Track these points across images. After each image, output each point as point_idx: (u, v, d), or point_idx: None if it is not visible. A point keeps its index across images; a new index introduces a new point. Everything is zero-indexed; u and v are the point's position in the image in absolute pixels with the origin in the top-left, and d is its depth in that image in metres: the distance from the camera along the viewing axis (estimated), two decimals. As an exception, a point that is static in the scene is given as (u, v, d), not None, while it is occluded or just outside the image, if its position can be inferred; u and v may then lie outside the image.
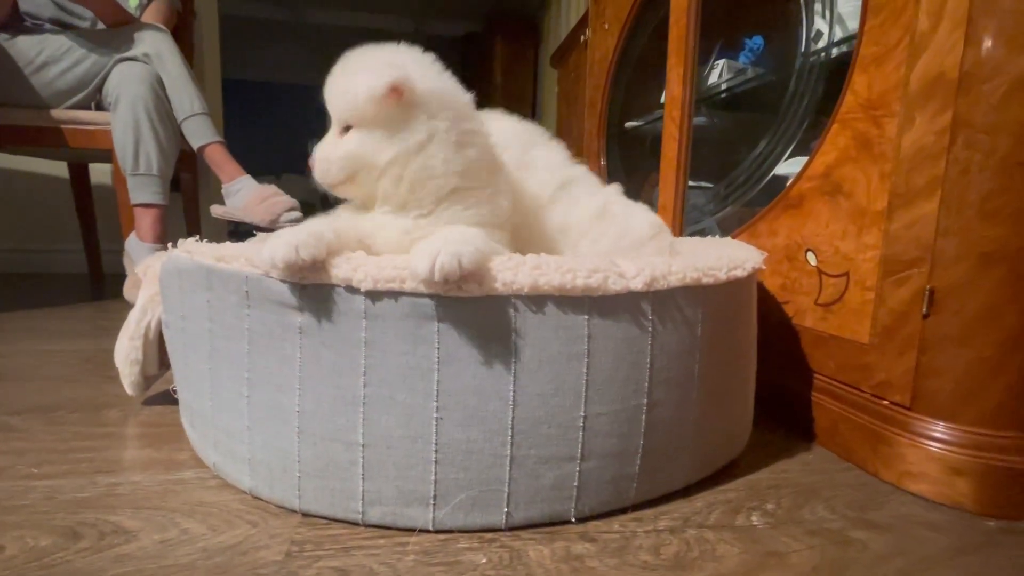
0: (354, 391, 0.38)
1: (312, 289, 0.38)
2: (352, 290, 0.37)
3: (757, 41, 1.00)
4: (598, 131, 1.39)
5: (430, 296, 0.37)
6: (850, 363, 0.56)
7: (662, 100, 1.08)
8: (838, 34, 0.78)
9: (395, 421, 0.38)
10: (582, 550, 0.38)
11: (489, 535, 0.39)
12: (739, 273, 0.48)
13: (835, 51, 0.78)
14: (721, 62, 0.96)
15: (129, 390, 0.62)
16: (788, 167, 0.90)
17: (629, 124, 1.34)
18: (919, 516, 0.44)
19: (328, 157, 0.45)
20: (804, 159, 0.65)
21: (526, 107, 3.70)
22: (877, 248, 0.53)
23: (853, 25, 0.74)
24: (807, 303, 0.63)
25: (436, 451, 0.38)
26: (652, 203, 1.36)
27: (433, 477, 0.38)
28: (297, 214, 1.35)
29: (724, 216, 1.03)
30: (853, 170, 0.56)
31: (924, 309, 0.48)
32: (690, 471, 0.47)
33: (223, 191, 1.41)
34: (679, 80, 0.94)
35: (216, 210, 1.42)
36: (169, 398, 0.64)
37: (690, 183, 1.00)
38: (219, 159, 1.36)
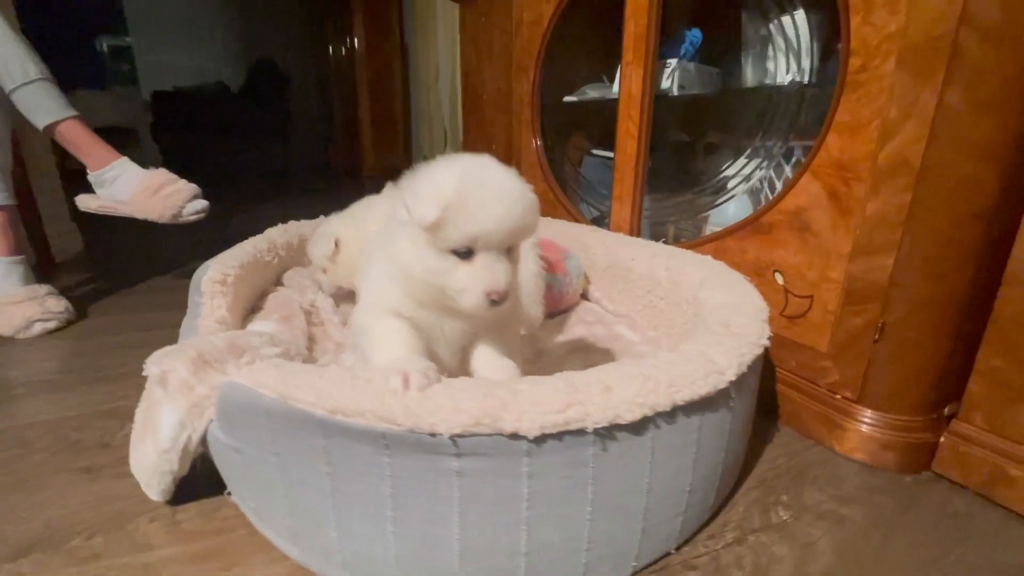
0: (517, 514, 0.42)
1: (473, 440, 0.39)
2: (518, 437, 0.40)
3: (696, 34, 1.06)
4: (531, 101, 1.37)
5: (594, 432, 0.41)
6: (810, 364, 0.73)
7: (614, 89, 1.10)
8: (794, 68, 0.87)
9: (555, 530, 0.43)
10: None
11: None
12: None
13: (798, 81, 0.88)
14: (672, 62, 1.01)
15: (158, 497, 0.56)
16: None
17: (568, 99, 1.34)
18: (869, 483, 0.64)
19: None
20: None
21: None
22: (839, 282, 0.68)
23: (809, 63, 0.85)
24: (773, 312, 0.77)
25: (587, 548, 0.45)
26: (579, 175, 1.43)
27: (583, 564, 0.45)
28: (203, 203, 1.16)
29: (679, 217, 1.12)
30: (822, 215, 0.69)
31: (875, 336, 0.65)
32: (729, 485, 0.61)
33: (92, 179, 1.14)
34: (639, 80, 0.97)
35: (87, 203, 1.16)
36: (192, 490, 0.58)
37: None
38: (79, 139, 1.08)
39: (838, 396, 0.70)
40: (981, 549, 0.54)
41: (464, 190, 0.44)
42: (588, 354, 0.82)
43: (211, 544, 0.53)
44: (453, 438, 0.39)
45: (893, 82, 0.59)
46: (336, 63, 4.44)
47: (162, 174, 1.13)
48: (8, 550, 0.52)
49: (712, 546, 0.53)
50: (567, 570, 0.45)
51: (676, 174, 1.21)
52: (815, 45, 0.81)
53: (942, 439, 0.65)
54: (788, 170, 0.92)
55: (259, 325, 0.79)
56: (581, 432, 0.40)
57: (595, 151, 1.45)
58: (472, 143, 2.04)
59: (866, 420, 0.67)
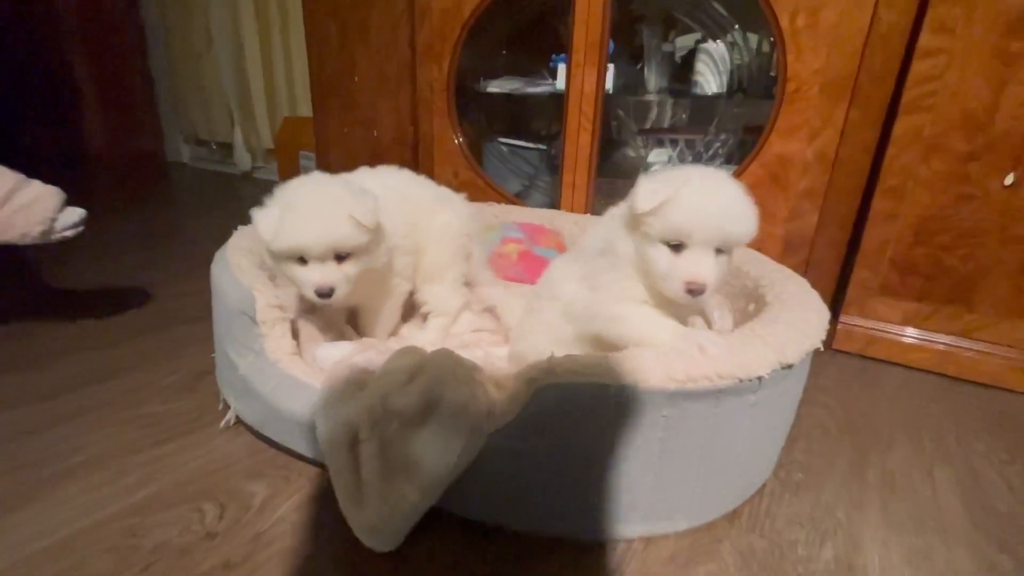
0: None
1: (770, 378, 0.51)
2: (787, 367, 0.53)
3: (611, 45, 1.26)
4: (445, 87, 1.38)
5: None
6: (759, 297, 1.05)
7: (558, 85, 1.23)
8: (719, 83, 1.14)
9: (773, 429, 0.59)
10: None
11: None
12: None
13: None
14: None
15: (392, 546, 0.49)
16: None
17: (493, 88, 1.39)
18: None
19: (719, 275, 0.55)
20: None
21: None
22: (781, 237, 0.99)
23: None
24: (727, 264, 1.06)
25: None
26: (502, 154, 1.53)
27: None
28: (78, 212, 0.86)
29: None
30: (766, 192, 0.99)
31: (804, 270, 0.98)
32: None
33: None
34: (592, 80, 1.13)
35: None
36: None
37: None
38: None
39: (780, 314, 1.03)
40: (864, 374, 0.92)
41: (684, 188, 0.53)
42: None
43: (493, 561, 0.50)
44: (759, 379, 0.50)
45: (817, 102, 0.90)
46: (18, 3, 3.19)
47: (5, 175, 0.76)
48: None
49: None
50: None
51: (620, 161, 1.41)
52: (733, 69, 1.11)
53: (837, 327, 1.04)
54: (705, 157, 1.23)
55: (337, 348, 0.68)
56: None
57: (503, 140, 1.55)
58: (330, 126, 1.85)
59: (799, 326, 1.02)
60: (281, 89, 2.63)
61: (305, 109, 2.53)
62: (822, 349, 0.59)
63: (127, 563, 0.49)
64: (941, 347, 0.94)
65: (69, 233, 0.81)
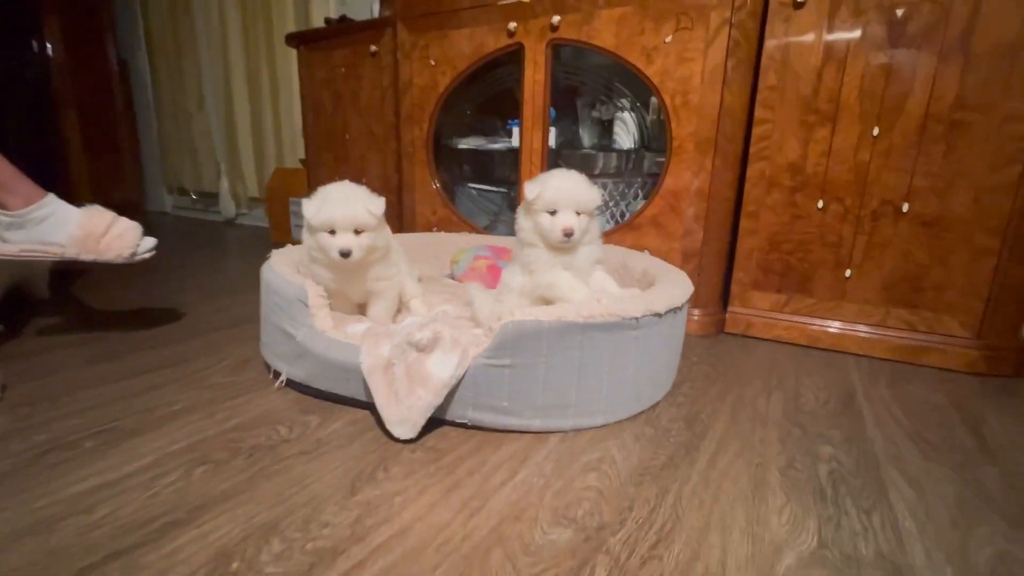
0: (652, 354, 0.88)
1: (646, 319, 0.83)
2: (657, 315, 0.86)
3: (552, 112, 1.65)
4: (425, 144, 1.73)
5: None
6: (669, 296, 1.39)
7: (513, 141, 1.59)
8: (631, 140, 1.54)
9: (658, 362, 0.91)
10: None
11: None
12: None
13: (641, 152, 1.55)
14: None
15: (413, 434, 0.77)
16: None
17: (463, 144, 1.74)
18: (706, 343, 1.31)
19: (580, 226, 0.87)
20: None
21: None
22: (679, 250, 1.35)
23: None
24: (645, 273, 1.41)
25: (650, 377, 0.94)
26: (472, 196, 1.88)
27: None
28: (152, 240, 1.15)
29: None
30: (667, 218, 1.36)
31: (698, 273, 1.33)
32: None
33: (9, 220, 0.99)
34: (540, 139, 1.50)
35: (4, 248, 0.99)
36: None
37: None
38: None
39: (685, 308, 1.38)
40: (743, 347, 1.26)
41: (549, 181, 0.89)
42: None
43: (476, 442, 0.78)
44: (636, 319, 0.82)
45: (693, 154, 1.28)
46: (15, 70, 3.44)
47: (104, 212, 1.03)
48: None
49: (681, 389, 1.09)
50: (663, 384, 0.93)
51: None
52: (638, 129, 1.50)
53: (726, 316, 1.39)
54: (627, 195, 1.60)
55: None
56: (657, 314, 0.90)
57: (472, 185, 1.90)
58: (323, 176, 2.17)
59: (696, 314, 1.37)
60: (269, 143, 2.94)
61: (291, 161, 2.84)
62: (683, 308, 0.93)
63: (236, 454, 0.75)
64: (795, 324, 1.30)
65: (147, 255, 1.08)
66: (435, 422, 0.82)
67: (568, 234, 0.88)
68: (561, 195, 0.88)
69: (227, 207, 3.35)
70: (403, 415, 0.75)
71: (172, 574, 0.53)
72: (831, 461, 0.77)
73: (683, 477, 0.72)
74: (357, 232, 0.92)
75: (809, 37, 1.17)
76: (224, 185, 3.30)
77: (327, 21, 2.01)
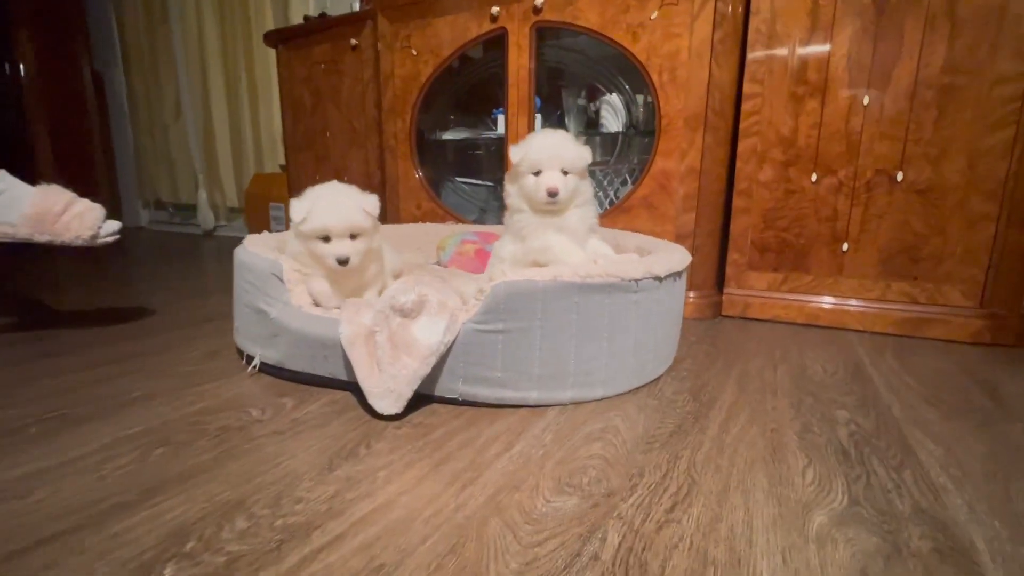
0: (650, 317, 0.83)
1: (644, 282, 0.78)
2: (658, 278, 0.81)
3: (537, 101, 1.62)
4: (408, 137, 1.69)
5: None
6: (663, 279, 1.35)
7: (499, 130, 1.55)
8: (620, 124, 1.51)
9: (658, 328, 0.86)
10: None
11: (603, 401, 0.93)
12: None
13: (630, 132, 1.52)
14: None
15: (398, 409, 0.70)
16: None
17: (448, 136, 1.70)
18: (703, 326, 1.27)
19: (566, 186, 0.82)
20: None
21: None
22: (672, 231, 1.31)
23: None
24: (638, 256, 1.37)
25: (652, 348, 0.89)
26: (460, 190, 1.83)
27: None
28: (116, 224, 1.07)
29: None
30: (658, 199, 1.32)
31: (692, 254, 1.30)
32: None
33: None
34: (526, 126, 1.46)
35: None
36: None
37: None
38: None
39: (680, 290, 1.33)
40: (742, 328, 1.22)
41: (533, 140, 0.85)
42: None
43: (468, 418, 0.72)
44: (636, 280, 0.77)
45: (682, 131, 1.26)
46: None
47: (62, 191, 0.96)
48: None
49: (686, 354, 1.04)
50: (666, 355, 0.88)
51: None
52: (627, 111, 1.48)
53: (723, 298, 1.35)
54: (615, 180, 1.57)
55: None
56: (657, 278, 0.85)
57: (459, 179, 1.86)
58: (303, 176, 2.11)
59: (691, 296, 1.32)
60: (248, 151, 2.88)
61: (271, 167, 2.78)
62: (682, 276, 0.89)
63: (200, 436, 0.67)
64: (795, 303, 1.26)
65: (110, 239, 1.00)
66: (422, 399, 0.75)
67: (552, 194, 0.84)
68: (544, 154, 0.84)
69: (206, 219, 3.26)
70: (387, 385, 0.68)
71: (114, 556, 0.45)
72: (849, 424, 0.72)
73: (694, 443, 0.66)
74: (353, 236, 0.85)
75: (795, 6, 1.16)
76: (202, 196, 3.21)
77: (306, 19, 1.98)
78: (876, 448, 0.65)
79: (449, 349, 0.72)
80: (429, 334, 0.69)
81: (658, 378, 0.89)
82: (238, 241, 1.02)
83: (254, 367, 0.88)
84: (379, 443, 0.66)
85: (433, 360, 0.70)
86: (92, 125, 3.67)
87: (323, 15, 1.95)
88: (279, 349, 0.84)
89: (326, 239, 0.84)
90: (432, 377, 0.73)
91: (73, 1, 3.54)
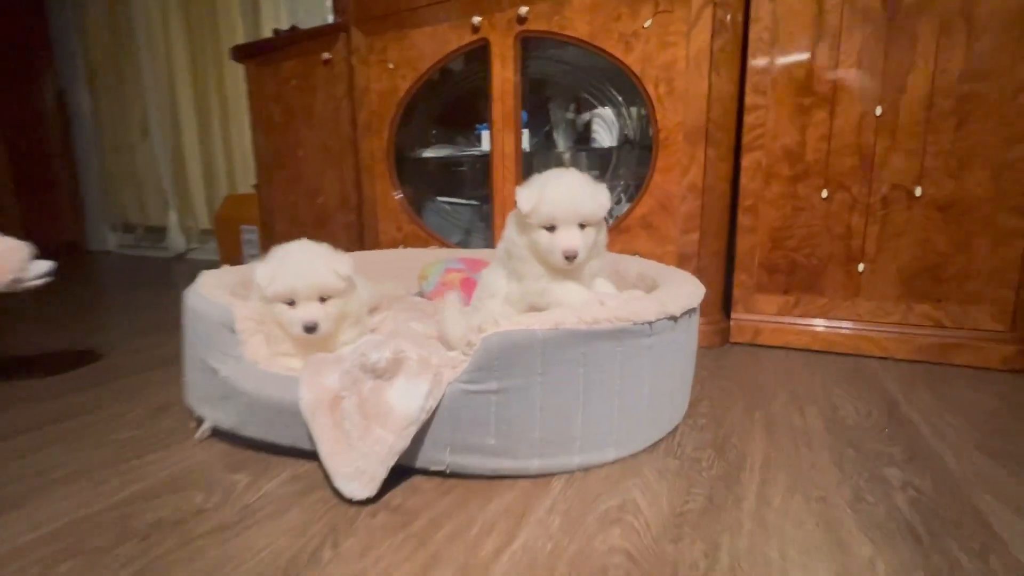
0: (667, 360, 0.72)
1: (659, 323, 0.68)
2: (673, 318, 0.70)
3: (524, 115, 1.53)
4: (386, 155, 1.57)
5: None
6: (666, 304, 1.25)
7: (483, 147, 1.45)
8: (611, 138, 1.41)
9: (675, 375, 0.75)
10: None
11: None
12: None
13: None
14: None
15: (370, 492, 0.57)
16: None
17: (428, 154, 1.59)
18: (712, 352, 1.17)
19: (585, 244, 0.71)
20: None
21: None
22: (674, 252, 1.22)
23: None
24: (638, 281, 1.27)
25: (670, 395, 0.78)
26: (443, 211, 1.71)
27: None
28: (47, 264, 0.93)
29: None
30: (658, 218, 1.22)
31: (696, 275, 1.20)
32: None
33: None
34: (512, 142, 1.36)
35: None
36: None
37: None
38: None
39: (685, 317, 1.23)
40: (754, 357, 1.12)
41: (545, 188, 0.72)
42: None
43: (458, 495, 0.60)
44: (650, 323, 0.67)
45: (682, 146, 1.17)
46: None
47: (-22, 228, 0.82)
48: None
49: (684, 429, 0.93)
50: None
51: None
52: (621, 126, 1.39)
53: (731, 324, 1.25)
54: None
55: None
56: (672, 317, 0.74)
57: (441, 198, 1.75)
58: (275, 197, 1.98)
59: (701, 321, 1.22)
60: (220, 171, 2.74)
61: (243, 187, 2.64)
62: (696, 311, 0.78)
63: (125, 537, 0.54)
64: (808, 329, 1.16)
65: (39, 282, 0.87)
66: (401, 471, 0.63)
67: (571, 257, 0.71)
68: (560, 207, 0.71)
69: (176, 242, 3.09)
70: (357, 466, 0.56)
71: None
72: (906, 488, 0.61)
73: (732, 524, 0.55)
74: (323, 299, 0.74)
75: (799, 12, 1.08)
76: (172, 218, 3.05)
77: (276, 32, 1.86)
78: (947, 523, 0.55)
79: (433, 415, 0.60)
80: (408, 400, 0.57)
81: (675, 428, 0.78)
82: (211, 265, 0.89)
83: (203, 432, 0.75)
84: (348, 539, 0.53)
85: (413, 431, 0.58)
86: (54, 145, 3.50)
87: (294, 28, 1.84)
88: (232, 412, 0.71)
89: (292, 303, 0.73)
90: (414, 446, 0.61)
91: (36, 18, 3.40)
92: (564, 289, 0.72)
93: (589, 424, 0.65)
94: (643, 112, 1.35)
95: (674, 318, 0.70)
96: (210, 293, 0.80)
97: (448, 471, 0.63)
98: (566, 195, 0.72)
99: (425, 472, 0.64)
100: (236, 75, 2.46)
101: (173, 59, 2.73)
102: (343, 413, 0.58)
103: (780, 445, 0.73)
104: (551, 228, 0.72)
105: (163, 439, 0.76)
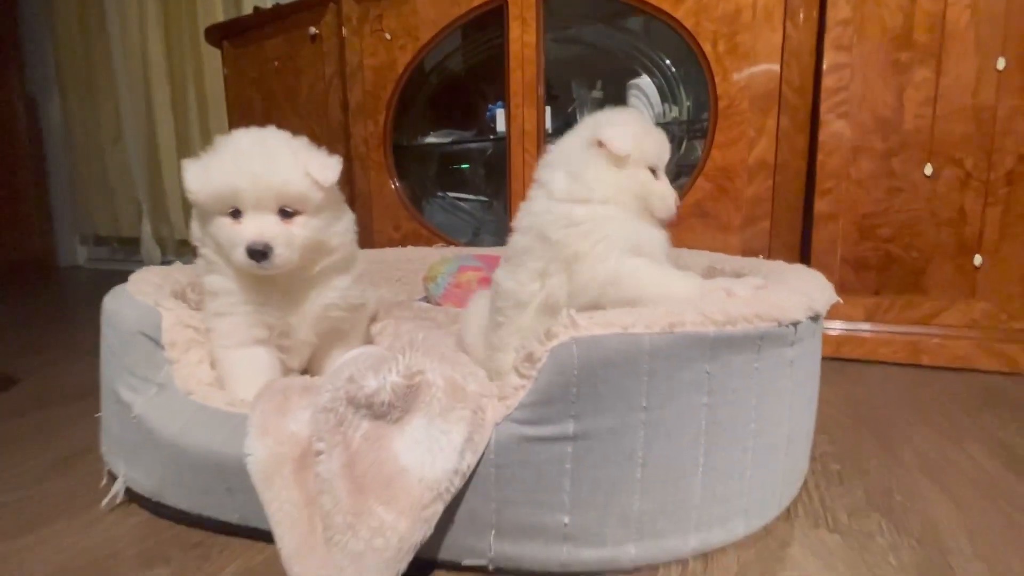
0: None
1: (802, 326, 0.45)
2: (818, 317, 0.47)
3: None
4: (382, 142, 1.35)
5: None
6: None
7: (499, 128, 1.23)
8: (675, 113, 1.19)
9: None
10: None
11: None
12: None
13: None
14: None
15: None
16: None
17: (432, 139, 1.37)
18: None
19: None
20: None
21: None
22: (737, 247, 0.99)
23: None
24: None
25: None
26: (447, 206, 1.49)
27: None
28: None
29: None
30: (715, 205, 1.00)
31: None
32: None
33: None
34: (533, 118, 1.14)
35: None
36: None
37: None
38: None
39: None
40: (843, 375, 0.89)
41: (632, 122, 0.53)
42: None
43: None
44: (796, 325, 0.44)
45: (748, 115, 0.95)
46: None
47: None
48: None
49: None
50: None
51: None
52: (662, 95, 1.18)
53: (806, 334, 1.02)
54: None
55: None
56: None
57: (446, 193, 1.52)
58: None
59: (771, 335, 0.99)
60: (198, 175, 2.50)
61: (225, 193, 2.40)
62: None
63: None
64: (907, 338, 0.94)
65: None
66: (417, 567, 0.39)
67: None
68: (664, 148, 0.55)
69: (151, 253, 2.83)
70: (342, 565, 0.32)
71: None
72: None
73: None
74: (286, 214, 0.50)
75: (895, -52, 0.88)
76: (146, 228, 2.80)
77: (256, 10, 1.65)
78: None
79: (471, 479, 0.36)
80: (431, 456, 0.33)
81: (804, 483, 0.54)
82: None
83: (114, 496, 0.50)
84: None
85: (439, 509, 0.33)
86: (23, 155, 3.26)
87: (277, 6, 1.63)
88: (152, 469, 0.47)
89: (236, 215, 0.49)
90: (439, 531, 0.37)
91: (5, 24, 3.19)
92: (652, 277, 0.48)
93: (711, 485, 0.41)
94: (692, 77, 1.13)
95: (817, 317, 0.47)
96: (140, 289, 0.56)
97: (491, 567, 0.39)
98: (659, 136, 0.51)
99: (456, 568, 0.40)
100: (215, 67, 2.25)
101: (147, 50, 2.51)
102: (319, 480, 0.34)
103: (968, 502, 0.49)
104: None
105: (59, 505, 0.51)
